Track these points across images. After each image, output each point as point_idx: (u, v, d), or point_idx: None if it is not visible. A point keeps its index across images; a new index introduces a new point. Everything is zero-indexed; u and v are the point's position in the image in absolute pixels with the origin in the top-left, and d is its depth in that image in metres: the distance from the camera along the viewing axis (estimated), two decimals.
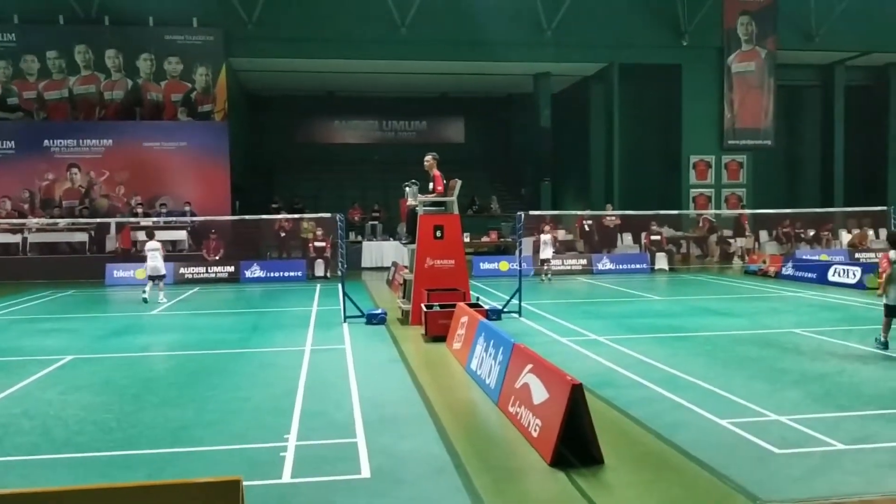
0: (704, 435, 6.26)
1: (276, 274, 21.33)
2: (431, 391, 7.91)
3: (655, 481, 5.27)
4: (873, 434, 6.15)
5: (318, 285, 19.61)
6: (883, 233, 25.74)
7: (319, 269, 21.82)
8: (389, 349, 10.45)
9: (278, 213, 24.61)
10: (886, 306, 9.66)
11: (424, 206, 12.75)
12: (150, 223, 19.78)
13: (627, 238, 26.10)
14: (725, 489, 5.04)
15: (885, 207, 17.80)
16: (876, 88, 30.59)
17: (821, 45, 27.26)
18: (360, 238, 25.80)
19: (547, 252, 19.95)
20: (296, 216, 23.25)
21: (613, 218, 25.42)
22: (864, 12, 26.65)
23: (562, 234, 25.66)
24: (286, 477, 5.37)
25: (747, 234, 25.86)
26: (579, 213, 25.35)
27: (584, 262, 22.99)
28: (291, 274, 21.41)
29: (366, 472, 5.46)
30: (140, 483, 3.54)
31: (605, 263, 22.73)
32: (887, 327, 9.66)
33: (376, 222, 26.71)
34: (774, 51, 27.29)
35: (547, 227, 21.50)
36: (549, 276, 20.00)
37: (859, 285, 17.09)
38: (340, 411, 7.09)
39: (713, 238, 25.89)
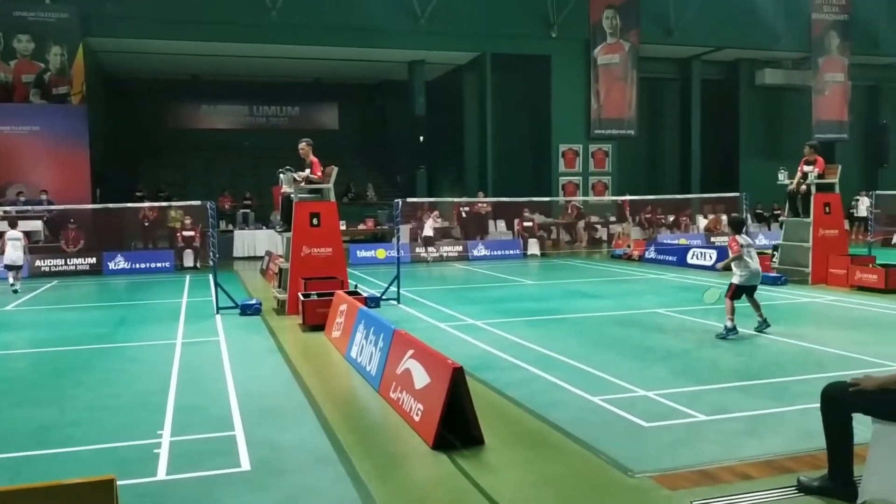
0: (579, 412, 6.51)
1: (143, 265, 20.37)
2: (311, 380, 7.81)
3: (534, 459, 5.43)
4: (730, 405, 6.58)
5: (188, 276, 18.89)
6: None
7: (189, 259, 21.02)
8: (266, 340, 10.23)
9: (143, 202, 23.49)
10: (737, 287, 9.85)
11: (300, 192, 12.52)
12: (1, 213, 18.41)
13: (501, 225, 26.68)
14: (600, 463, 5.26)
15: (737, 194, 19.01)
16: (728, 82, 32.58)
17: (679, 39, 28.73)
18: (231, 227, 25.04)
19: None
20: (162, 204, 22.26)
21: (486, 205, 25.90)
22: (718, 10, 28.30)
23: (438, 222, 25.89)
24: (161, 474, 5.16)
25: (628, 219, 26.98)
26: (454, 200, 25.65)
27: (459, 248, 23.31)
28: (159, 265, 20.51)
29: (245, 464, 5.33)
30: (3, 488, 3.30)
31: (479, 250, 23.14)
32: (733, 310, 9.74)
33: (248, 210, 26.02)
34: (637, 44, 28.52)
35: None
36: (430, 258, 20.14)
37: (715, 267, 18.21)
38: (217, 404, 6.89)
39: (581, 224, 26.86)
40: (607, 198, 28.20)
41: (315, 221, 12.33)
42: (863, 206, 26.01)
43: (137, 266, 20.26)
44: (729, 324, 9.66)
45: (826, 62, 31.25)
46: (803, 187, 15.43)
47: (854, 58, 31.58)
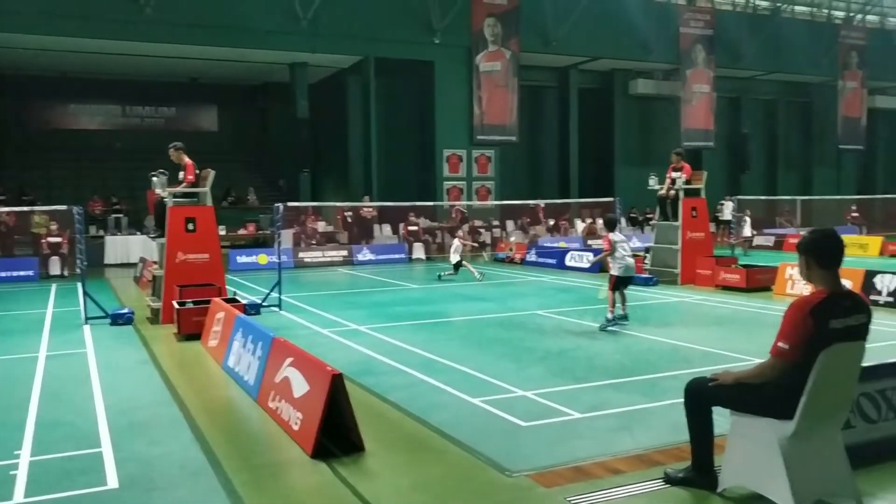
0: (459, 414, 6.57)
1: (2, 274, 19.06)
2: (186, 392, 7.53)
3: (414, 463, 5.45)
4: (604, 402, 6.82)
5: (54, 285, 17.84)
6: None
7: (55, 267, 19.85)
8: (138, 351, 9.79)
9: (4, 206, 22.00)
10: (617, 278, 10.62)
11: (175, 197, 12.07)
12: None
13: (386, 229, 26.65)
14: (479, 464, 5.33)
15: (612, 198, 19.79)
16: (604, 91, 33.86)
17: (557, 49, 29.58)
18: (102, 232, 23.84)
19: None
20: (25, 209, 20.93)
21: (371, 209, 25.82)
22: (593, 21, 29.35)
23: (322, 226, 25.63)
24: (18, 496, 4.83)
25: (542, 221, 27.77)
26: (338, 204, 25.41)
27: (344, 253, 23.12)
28: (20, 273, 19.26)
29: (113, 482, 5.07)
30: None
31: (364, 254, 23.03)
32: (614, 302, 10.58)
33: (121, 215, 24.86)
34: (518, 52, 29.16)
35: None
36: None
37: (593, 268, 18.87)
38: (83, 420, 6.53)
39: (465, 228, 27.16)
40: (490, 202, 28.65)
41: (191, 226, 11.91)
42: (727, 210, 27.58)
43: None
44: (610, 315, 10.44)
45: (693, 74, 33.01)
46: (672, 192, 16.21)
47: (719, 70, 33.53)
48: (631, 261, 10.80)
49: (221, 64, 27.89)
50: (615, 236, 10.82)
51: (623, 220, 18.60)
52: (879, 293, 12.44)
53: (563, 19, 28.81)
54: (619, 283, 10.69)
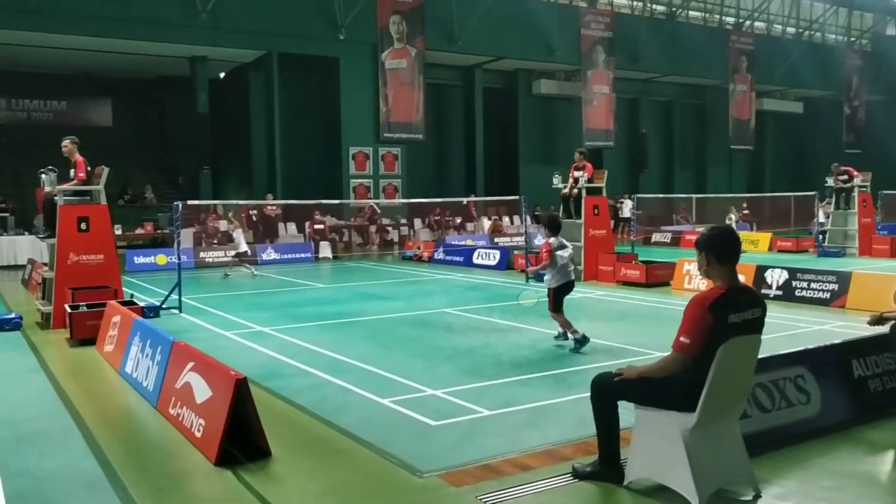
0: (368, 415, 6.49)
1: None
2: (79, 400, 7.15)
3: (322, 467, 5.34)
4: (513, 398, 6.87)
5: None
6: (518, 219, 29.07)
7: None
8: (26, 357, 9.24)
9: None
10: (555, 293, 9.18)
11: (65, 195, 11.47)
12: None
13: (291, 227, 26.19)
14: (389, 465, 5.26)
15: (517, 197, 20.05)
16: (508, 90, 34.32)
17: (462, 48, 29.79)
18: None
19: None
20: None
21: (275, 207, 25.32)
22: (498, 21, 29.69)
23: (223, 225, 24.95)
24: None
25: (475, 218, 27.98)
26: (241, 202, 24.77)
27: (247, 252, 22.54)
28: None
29: (0, 499, 4.76)
30: None
31: (269, 253, 22.55)
32: (566, 322, 9.17)
33: (6, 214, 23.49)
34: (423, 50, 29.20)
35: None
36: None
37: (500, 265, 19.09)
38: None
39: (374, 227, 27.07)
40: (397, 200, 28.59)
41: (83, 226, 11.34)
42: (626, 207, 28.45)
43: None
44: (577, 335, 8.97)
45: (594, 75, 33.89)
46: (575, 191, 16.56)
47: (618, 72, 34.54)
48: (572, 270, 9.36)
49: (116, 56, 26.72)
50: (556, 241, 9.22)
51: (528, 218, 18.84)
52: (770, 287, 13.06)
53: (467, 18, 29.02)
54: (559, 297, 9.17)
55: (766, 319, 4.56)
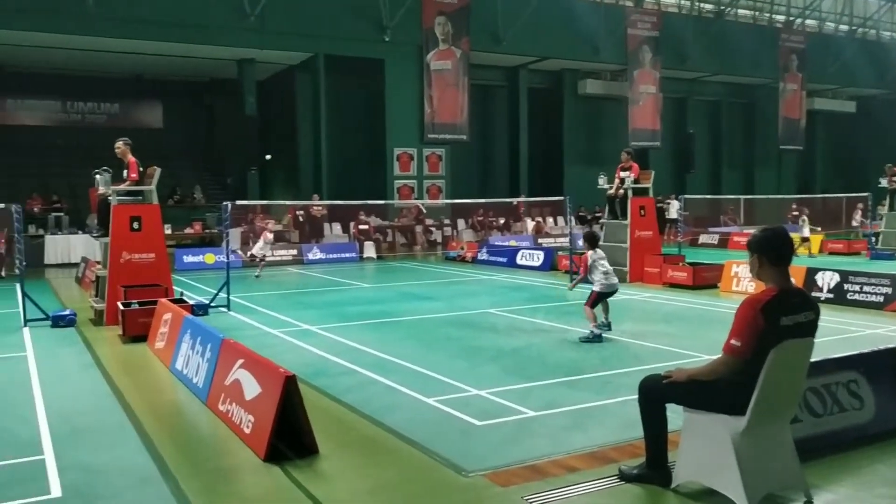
0: (414, 414, 6.53)
1: None
2: (132, 396, 7.33)
3: (368, 465, 5.38)
4: (557, 400, 6.85)
5: None
6: (561, 220, 28.92)
7: None
8: (81, 354, 9.50)
9: None
10: (597, 295, 9.80)
11: (119, 195, 11.76)
12: None
13: (336, 228, 26.44)
14: (434, 464, 5.29)
15: (562, 197, 19.92)
16: (553, 91, 34.14)
17: (507, 48, 29.73)
18: (41, 232, 23.11)
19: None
20: None
21: (321, 208, 25.58)
22: (543, 22, 29.55)
23: (271, 225, 25.28)
24: None
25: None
26: (288, 202, 25.09)
27: (294, 252, 22.85)
28: None
29: (56, 491, 4.89)
30: None
31: (315, 253, 22.79)
32: (594, 317, 9.79)
33: (61, 214, 24.14)
34: (468, 51, 29.21)
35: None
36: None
37: (543, 266, 19.02)
38: (23, 427, 6.29)
39: (419, 227, 27.18)
40: (441, 201, 28.66)
41: (136, 225, 11.62)
42: (673, 208, 28.07)
43: None
44: (596, 330, 9.65)
45: (640, 75, 33.51)
46: (621, 191, 16.41)
47: (664, 72, 34.11)
48: (615, 278, 10.03)
49: (167, 59, 27.31)
50: (595, 254, 9.92)
51: (572, 219, 18.73)
52: (821, 290, 12.79)
53: (512, 19, 28.95)
54: (598, 300, 9.93)
55: (819, 323, 4.47)
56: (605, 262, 9.98)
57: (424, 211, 27.67)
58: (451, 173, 29.97)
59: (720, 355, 4.35)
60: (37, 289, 13.59)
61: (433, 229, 27.62)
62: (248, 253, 19.48)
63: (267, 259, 19.29)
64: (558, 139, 33.96)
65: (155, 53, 26.23)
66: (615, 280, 10.03)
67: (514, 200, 29.19)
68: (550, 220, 30.74)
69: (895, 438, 5.54)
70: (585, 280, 10.26)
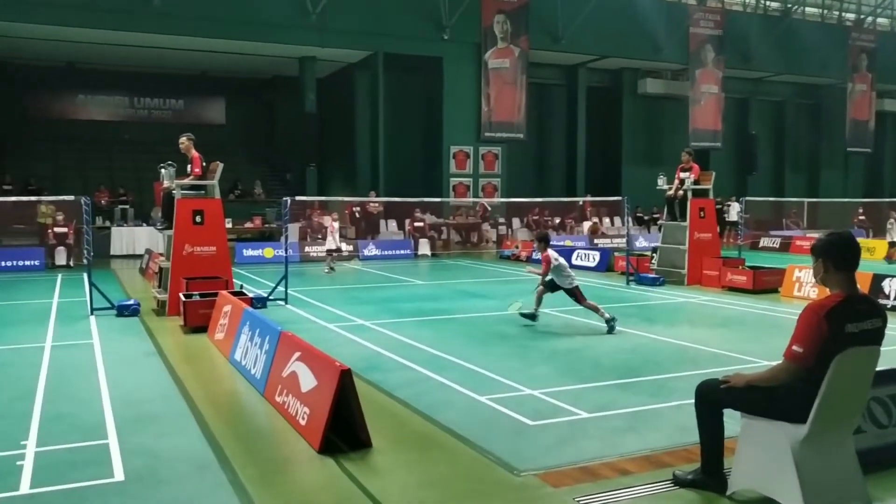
0: (467, 412, 6.54)
1: (8, 263, 19.09)
2: (192, 385, 7.52)
3: (421, 460, 5.42)
4: (611, 402, 6.79)
5: (60, 275, 17.84)
6: (618, 221, 28.60)
7: (61, 257, 19.86)
8: (144, 342, 9.78)
9: (10, 196, 22.01)
10: (577, 287, 10.63)
11: (182, 189, 12.07)
12: None
13: (392, 224, 26.64)
14: (486, 462, 5.30)
15: (619, 198, 19.68)
16: (612, 90, 33.77)
17: (566, 47, 29.54)
18: (108, 223, 23.87)
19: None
20: (31, 198, 20.91)
21: (377, 205, 25.80)
22: (603, 20, 29.27)
23: (334, 215, 25.62)
24: (25, 487, 4.82)
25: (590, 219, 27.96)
26: (345, 199, 25.38)
27: (351, 248, 23.10)
28: (27, 263, 19.29)
29: (119, 474, 5.05)
30: None
31: (370, 249, 23.00)
32: (595, 307, 10.53)
33: (127, 206, 24.88)
34: (527, 50, 29.12)
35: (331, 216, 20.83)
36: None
37: (599, 267, 18.83)
38: (88, 412, 6.51)
39: (486, 225, 27.22)
40: (497, 199, 28.62)
41: (198, 219, 11.90)
42: (734, 210, 27.47)
43: (3, 264, 18.97)
44: (607, 315, 10.32)
45: (702, 74, 32.91)
46: (680, 192, 16.15)
47: (727, 71, 33.41)
48: (572, 274, 10.79)
49: (230, 57, 27.92)
50: (553, 253, 10.59)
51: (630, 220, 18.49)
52: (888, 297, 12.38)
53: (572, 17, 28.73)
54: (577, 290, 10.61)
55: (886, 331, 4.34)
56: (562, 260, 10.70)
57: (489, 209, 27.68)
58: (507, 172, 29.92)
59: (781, 361, 4.26)
60: (103, 279, 14.03)
61: (488, 227, 27.60)
62: (325, 250, 19.47)
63: (342, 251, 19.39)
64: (617, 139, 33.59)
65: (219, 51, 26.85)
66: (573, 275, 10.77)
67: (580, 200, 28.96)
68: (607, 220, 30.42)
69: None
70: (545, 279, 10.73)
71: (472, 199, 28.32)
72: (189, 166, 12.17)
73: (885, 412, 5.25)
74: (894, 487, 4.76)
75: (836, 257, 4.22)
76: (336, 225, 19.36)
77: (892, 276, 12.88)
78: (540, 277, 10.80)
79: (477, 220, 27.64)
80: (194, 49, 26.59)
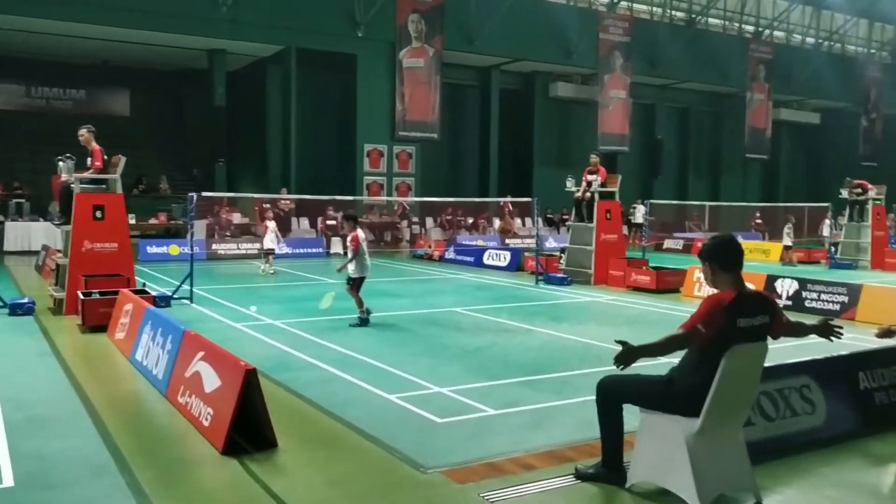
0: (375, 410, 6.54)
1: None
2: (90, 386, 7.23)
3: (328, 459, 5.39)
4: (518, 399, 6.90)
5: None
6: (529, 221, 29.07)
7: None
8: (38, 342, 9.35)
9: None
10: (358, 279, 10.73)
11: (82, 183, 11.59)
12: None
13: (304, 222, 26.30)
14: (393, 460, 5.31)
15: (530, 199, 19.99)
16: (524, 92, 34.30)
17: (480, 48, 29.80)
18: (2, 218, 22.68)
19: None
20: None
21: (289, 202, 25.43)
22: (516, 23, 29.68)
23: (237, 218, 25.11)
24: None
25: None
26: (255, 195, 24.88)
27: (259, 245, 22.65)
28: None
29: (8, 480, 4.82)
30: None
31: (281, 247, 22.61)
32: (361, 302, 10.71)
33: (22, 200, 23.70)
34: (441, 50, 29.23)
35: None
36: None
37: (510, 267, 19.12)
38: None
39: (405, 223, 27.15)
40: (411, 198, 28.61)
41: (98, 214, 11.46)
42: (639, 213, 28.37)
43: None
44: (364, 314, 10.64)
45: (611, 79, 33.80)
46: (588, 194, 16.56)
47: (635, 77, 34.43)
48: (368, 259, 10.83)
49: (136, 47, 26.89)
50: (361, 233, 10.77)
51: (540, 221, 18.86)
52: (780, 297, 13.03)
53: (485, 19, 29.02)
54: (361, 283, 10.78)
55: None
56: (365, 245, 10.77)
57: (408, 207, 27.64)
58: (421, 171, 29.95)
59: (678, 331, 4.38)
60: None
61: (401, 227, 27.61)
62: (264, 250, 18.56)
63: (275, 251, 18.49)
64: (528, 141, 34.12)
65: (124, 41, 25.82)
66: (369, 264, 10.88)
67: (501, 200, 29.14)
68: (518, 220, 30.89)
69: (845, 443, 5.68)
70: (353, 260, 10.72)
71: (385, 198, 28.24)
72: (89, 159, 11.71)
73: (773, 406, 5.54)
74: (780, 476, 5.02)
75: (721, 260, 4.44)
76: (273, 224, 18.80)
77: (785, 277, 13.57)
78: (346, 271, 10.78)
79: (392, 219, 27.59)
80: (97, 38, 25.50)
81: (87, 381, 7.43)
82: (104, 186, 11.86)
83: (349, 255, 10.83)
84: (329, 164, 28.93)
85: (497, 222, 29.73)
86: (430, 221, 29.08)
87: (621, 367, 4.43)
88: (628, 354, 4.39)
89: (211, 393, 5.82)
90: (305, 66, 27.50)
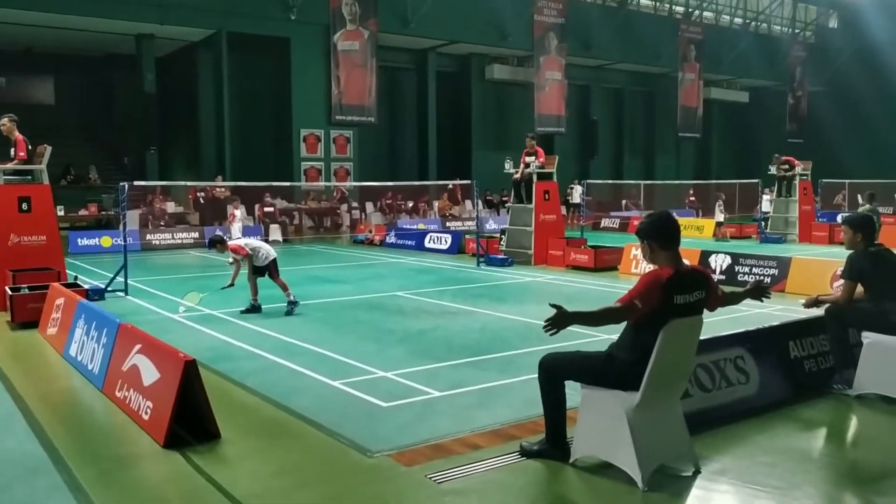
0: (319, 397, 6.51)
1: None
2: (21, 383, 7.01)
3: (272, 448, 5.35)
4: (462, 380, 6.95)
5: None
6: (469, 204, 29.18)
7: None
8: None
9: None
10: (258, 268, 10.54)
11: (5, 175, 11.17)
12: None
13: (240, 210, 25.79)
14: (339, 446, 5.30)
15: (469, 181, 20.06)
16: (461, 75, 34.28)
17: (415, 31, 29.65)
18: None
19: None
20: None
21: (224, 189, 24.96)
22: (451, 5, 29.61)
23: (171, 207, 24.55)
24: None
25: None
26: (188, 183, 24.34)
27: (196, 235, 22.24)
28: None
29: None
30: None
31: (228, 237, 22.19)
32: (256, 291, 10.66)
33: None
34: (376, 33, 28.96)
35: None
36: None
37: (451, 250, 19.19)
38: None
39: (344, 207, 26.91)
40: (350, 183, 28.41)
41: (24, 206, 11.06)
42: (576, 193, 28.76)
43: None
44: (255, 303, 10.63)
45: (546, 61, 34.05)
46: (526, 176, 16.70)
47: (570, 59, 34.76)
48: (268, 247, 10.73)
49: (59, 32, 25.88)
50: (238, 243, 10.89)
51: (479, 203, 18.95)
52: (714, 272, 13.40)
53: (421, 1, 28.86)
54: (261, 271, 10.65)
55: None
56: (256, 243, 10.90)
57: (347, 192, 27.40)
58: (359, 156, 29.73)
59: (615, 304, 4.48)
60: None
61: (341, 212, 27.40)
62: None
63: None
64: (466, 123, 34.14)
65: (47, 25, 24.84)
66: (270, 250, 10.71)
67: (450, 184, 29.15)
68: (458, 203, 30.95)
69: (777, 411, 5.90)
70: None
71: (323, 184, 27.95)
72: (13, 150, 11.26)
73: (709, 377, 5.71)
74: (717, 445, 5.19)
75: (658, 237, 4.53)
76: (238, 213, 18.25)
77: (718, 252, 13.97)
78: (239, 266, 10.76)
79: (331, 204, 27.33)
80: (18, 23, 24.46)
81: (19, 378, 7.20)
82: (30, 178, 11.45)
83: (239, 263, 10.70)
84: (265, 150, 28.47)
85: (436, 202, 29.73)
86: (369, 206, 28.90)
87: (553, 331, 4.35)
88: (561, 318, 4.33)
89: (150, 386, 5.70)
90: (237, 50, 26.94)
